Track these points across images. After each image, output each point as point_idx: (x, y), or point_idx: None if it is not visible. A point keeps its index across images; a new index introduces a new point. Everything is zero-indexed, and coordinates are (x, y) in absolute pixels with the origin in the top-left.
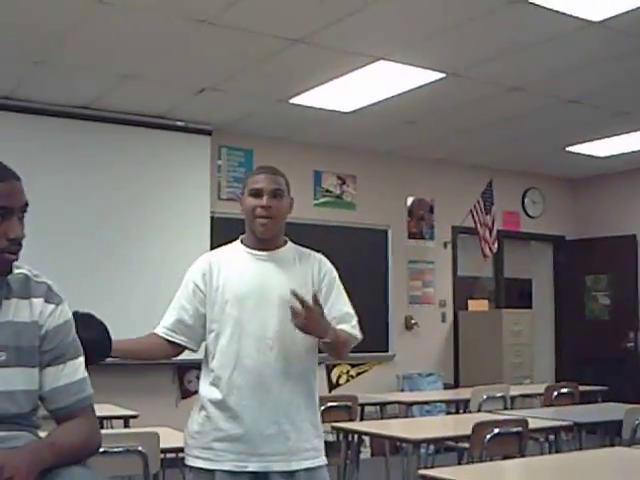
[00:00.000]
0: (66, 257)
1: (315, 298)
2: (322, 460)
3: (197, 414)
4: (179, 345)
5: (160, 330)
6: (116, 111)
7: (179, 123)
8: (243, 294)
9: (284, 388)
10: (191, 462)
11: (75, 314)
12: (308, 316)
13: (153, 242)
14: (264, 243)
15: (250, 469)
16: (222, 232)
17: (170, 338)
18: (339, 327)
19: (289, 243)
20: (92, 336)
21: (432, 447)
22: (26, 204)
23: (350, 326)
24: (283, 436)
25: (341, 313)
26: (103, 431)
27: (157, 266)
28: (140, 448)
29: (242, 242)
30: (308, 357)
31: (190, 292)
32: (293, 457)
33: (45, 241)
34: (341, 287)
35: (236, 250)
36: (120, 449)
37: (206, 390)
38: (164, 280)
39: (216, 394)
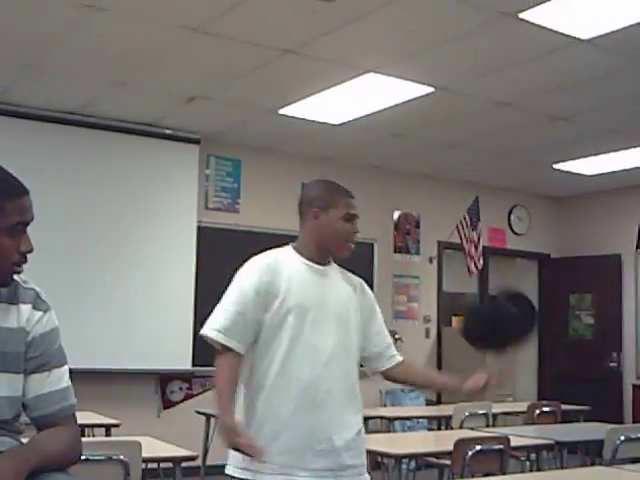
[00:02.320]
0: (49, 262)
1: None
2: (367, 477)
3: (249, 425)
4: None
5: (234, 346)
6: (105, 118)
7: (168, 131)
8: (304, 305)
9: (336, 404)
10: (238, 474)
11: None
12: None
13: (139, 250)
14: (322, 258)
15: None
16: (208, 241)
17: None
18: (382, 354)
19: (332, 262)
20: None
21: (413, 463)
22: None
23: (395, 351)
24: (335, 453)
25: (387, 340)
26: (84, 439)
27: (143, 274)
28: (122, 457)
29: (297, 251)
30: (356, 374)
31: (252, 297)
32: (342, 473)
33: None
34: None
35: (293, 259)
36: (101, 457)
37: (258, 401)
38: (151, 288)
39: (269, 406)
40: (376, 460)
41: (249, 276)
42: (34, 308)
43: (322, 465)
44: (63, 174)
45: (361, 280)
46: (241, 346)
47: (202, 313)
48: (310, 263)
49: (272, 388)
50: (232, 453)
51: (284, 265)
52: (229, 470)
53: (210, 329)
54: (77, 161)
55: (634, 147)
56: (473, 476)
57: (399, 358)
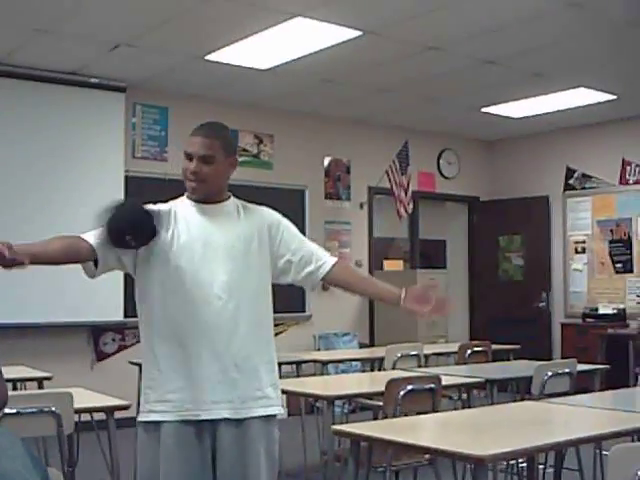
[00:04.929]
0: None
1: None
2: (275, 409)
3: (148, 368)
4: (91, 261)
5: (94, 242)
6: (28, 67)
7: (93, 80)
8: (190, 244)
9: (234, 337)
10: (139, 417)
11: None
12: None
13: (65, 202)
14: (205, 198)
15: (198, 417)
16: (136, 191)
17: (97, 256)
18: (310, 267)
19: (232, 198)
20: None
21: (347, 406)
22: None
23: (327, 257)
24: (230, 384)
25: (309, 252)
26: (16, 392)
27: (72, 227)
28: (53, 408)
29: (187, 196)
30: (261, 304)
31: None
32: (242, 405)
33: None
34: (294, 228)
35: (182, 203)
36: (33, 410)
37: (153, 343)
38: None
39: (165, 346)
40: (311, 405)
41: None
42: None
43: (219, 397)
44: None
45: (267, 210)
46: (102, 269)
47: None
48: (196, 203)
49: (166, 330)
50: (140, 401)
51: (173, 209)
52: (138, 417)
53: (93, 238)
54: None
55: (560, 90)
56: (406, 415)
57: (333, 260)
